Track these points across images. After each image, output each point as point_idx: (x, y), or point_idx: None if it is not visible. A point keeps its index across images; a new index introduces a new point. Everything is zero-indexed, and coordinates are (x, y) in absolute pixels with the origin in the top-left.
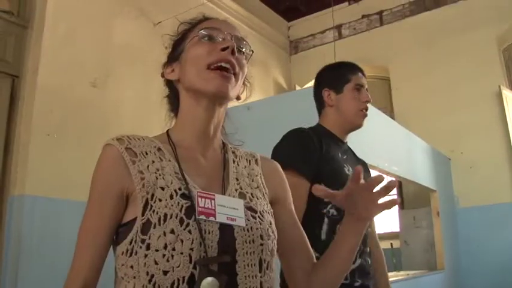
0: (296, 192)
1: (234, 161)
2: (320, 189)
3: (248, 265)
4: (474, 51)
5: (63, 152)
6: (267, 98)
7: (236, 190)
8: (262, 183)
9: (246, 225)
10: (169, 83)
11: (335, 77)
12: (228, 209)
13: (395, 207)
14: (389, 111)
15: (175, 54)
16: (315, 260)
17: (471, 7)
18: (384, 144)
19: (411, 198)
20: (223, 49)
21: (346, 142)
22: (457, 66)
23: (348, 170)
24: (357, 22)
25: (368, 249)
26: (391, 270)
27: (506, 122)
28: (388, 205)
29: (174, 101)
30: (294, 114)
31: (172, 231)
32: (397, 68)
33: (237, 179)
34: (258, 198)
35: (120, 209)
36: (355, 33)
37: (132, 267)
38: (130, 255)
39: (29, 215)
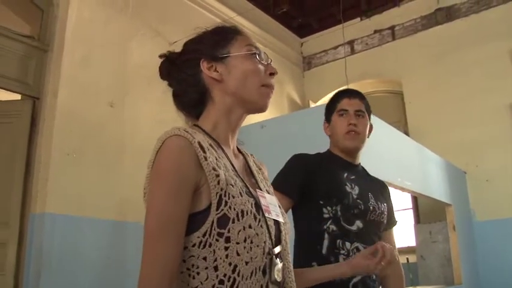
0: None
1: (251, 159)
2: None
3: (287, 252)
4: (487, 65)
5: (83, 171)
6: (280, 116)
7: (263, 187)
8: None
9: (283, 219)
10: (193, 75)
11: (327, 109)
12: (272, 206)
13: (411, 222)
14: (403, 125)
15: (217, 54)
16: None
17: (483, 21)
18: (396, 160)
19: (427, 212)
20: (271, 74)
21: (359, 164)
22: (470, 80)
23: (352, 188)
24: (369, 37)
25: None
26: (407, 285)
27: None
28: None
29: (193, 94)
30: (307, 131)
31: (250, 226)
32: (410, 82)
33: (258, 177)
34: (274, 195)
35: (191, 201)
36: (368, 48)
37: (205, 258)
38: (204, 247)
39: (50, 232)
